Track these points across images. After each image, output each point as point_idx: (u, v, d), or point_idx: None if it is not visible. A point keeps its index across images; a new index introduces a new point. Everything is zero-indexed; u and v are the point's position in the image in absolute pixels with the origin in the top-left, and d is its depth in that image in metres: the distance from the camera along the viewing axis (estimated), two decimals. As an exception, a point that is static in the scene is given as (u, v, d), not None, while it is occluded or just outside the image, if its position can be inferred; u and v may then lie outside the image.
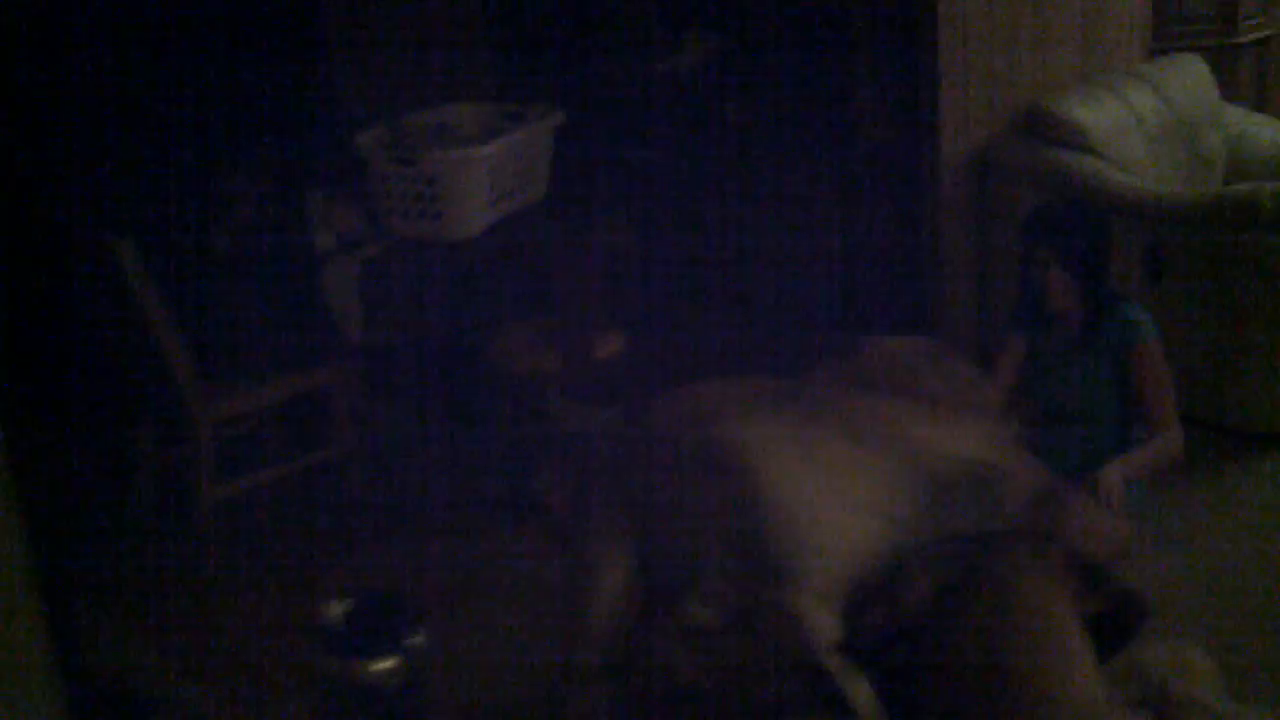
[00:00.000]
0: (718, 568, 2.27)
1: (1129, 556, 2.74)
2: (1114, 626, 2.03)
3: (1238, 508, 3.92)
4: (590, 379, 4.20)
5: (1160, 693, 2.02)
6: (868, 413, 2.55)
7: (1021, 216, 3.49)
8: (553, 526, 2.96)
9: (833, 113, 4.85)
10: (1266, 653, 3.17)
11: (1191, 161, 4.88)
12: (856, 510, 2.29)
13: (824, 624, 2.10)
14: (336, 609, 2.95)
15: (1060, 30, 4.90)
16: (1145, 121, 4.73)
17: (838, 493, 2.31)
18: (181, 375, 3.86)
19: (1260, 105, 5.80)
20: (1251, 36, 5.80)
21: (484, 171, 4.12)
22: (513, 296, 4.68)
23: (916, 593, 2.02)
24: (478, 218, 4.17)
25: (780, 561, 2.20)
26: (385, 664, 2.87)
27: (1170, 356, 3.94)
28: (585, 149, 5.03)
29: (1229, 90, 5.37)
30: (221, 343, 4.12)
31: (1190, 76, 5.06)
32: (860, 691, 2.01)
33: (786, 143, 5.04)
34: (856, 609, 2.11)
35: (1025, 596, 1.95)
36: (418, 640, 2.95)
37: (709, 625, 2.20)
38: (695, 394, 2.69)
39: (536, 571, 3.52)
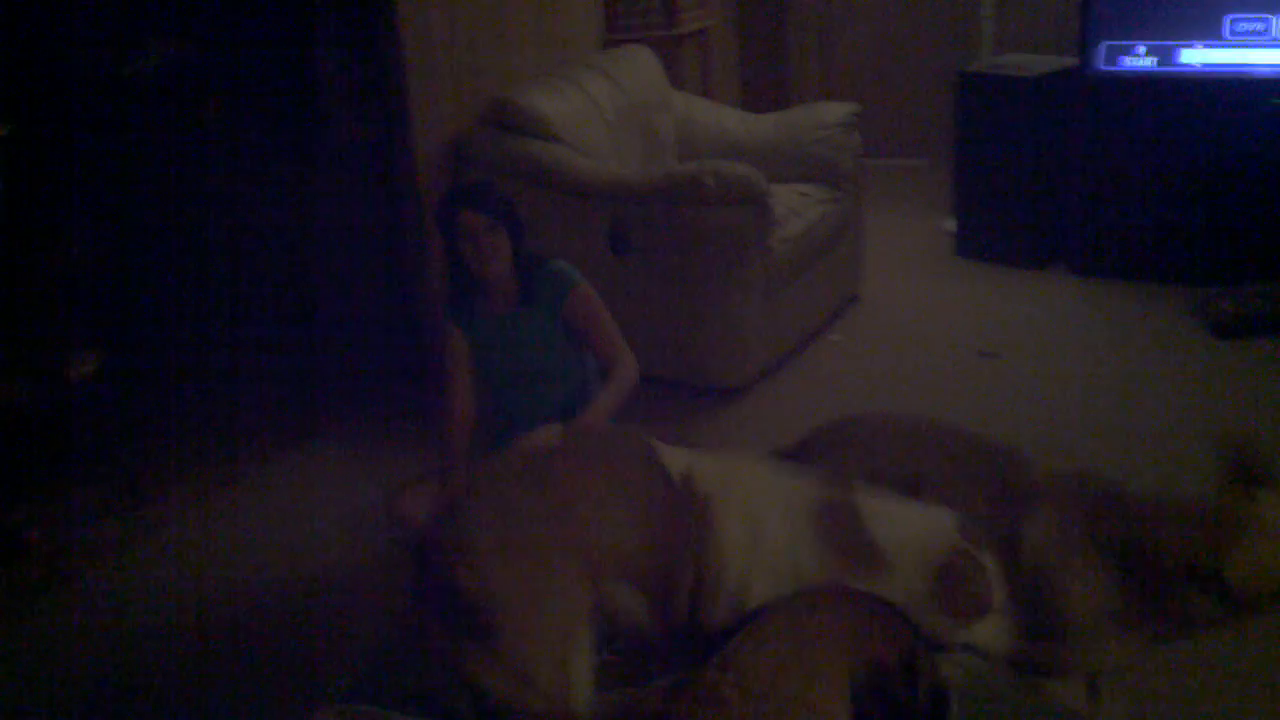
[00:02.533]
0: None
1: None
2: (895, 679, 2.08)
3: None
4: (66, 402, 3.97)
5: None
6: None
7: (437, 202, 3.54)
8: None
9: (304, 112, 4.84)
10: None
11: (646, 144, 5.25)
12: None
13: None
14: None
15: (518, 24, 5.13)
16: (603, 109, 5.03)
17: None
18: None
19: (704, 90, 6.33)
20: (691, 28, 6.31)
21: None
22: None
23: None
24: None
25: None
26: None
27: (641, 323, 4.27)
28: (45, 160, 4.72)
29: (675, 77, 5.82)
30: None
31: (641, 66, 5.43)
32: None
33: (261, 144, 4.96)
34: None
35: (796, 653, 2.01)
36: None
37: None
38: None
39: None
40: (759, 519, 2.37)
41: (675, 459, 2.45)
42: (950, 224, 6.10)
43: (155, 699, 3.19)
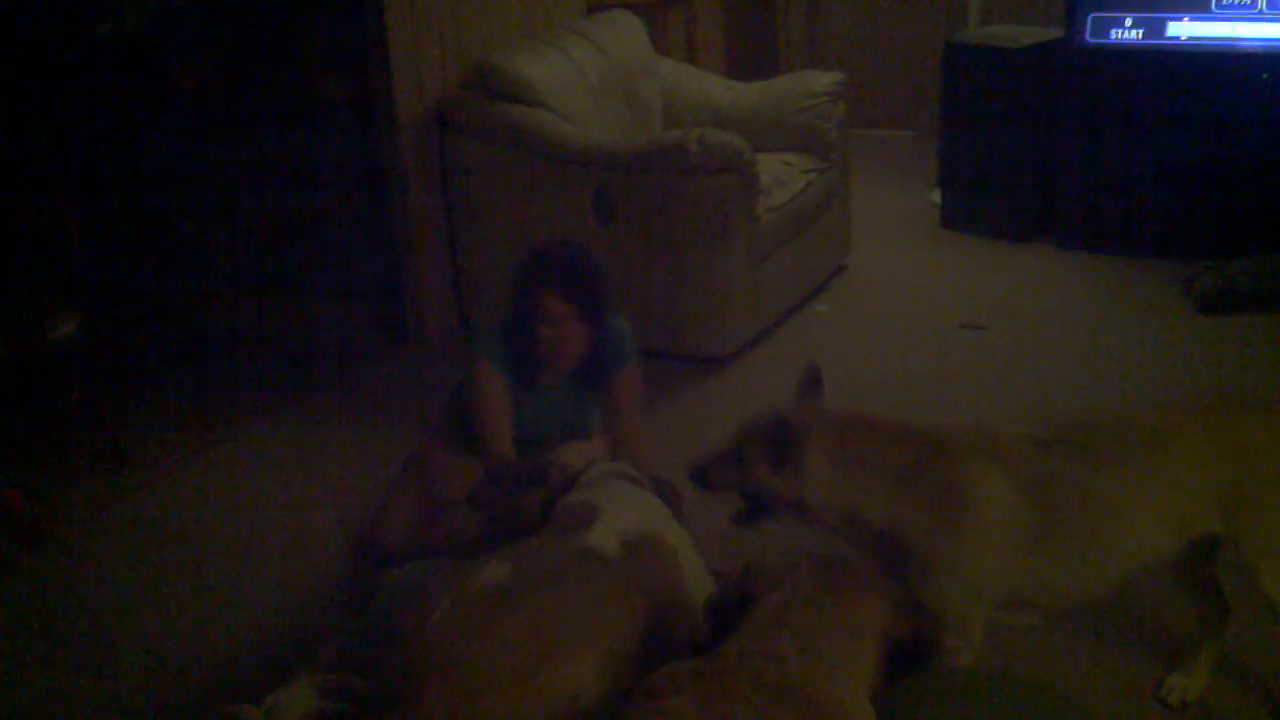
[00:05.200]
0: None
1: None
2: (911, 650, 2.04)
3: (694, 424, 4.19)
4: (45, 362, 3.94)
5: None
6: None
7: (518, 266, 3.20)
8: None
9: (286, 73, 4.80)
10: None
11: (631, 111, 5.21)
12: None
13: None
14: None
15: (503, -12, 5.09)
16: (587, 75, 4.98)
17: None
18: None
19: (689, 58, 6.29)
20: (677, -6, 6.27)
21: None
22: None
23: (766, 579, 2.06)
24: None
25: None
26: None
27: (625, 291, 4.25)
28: (26, 120, 4.69)
29: (660, 44, 5.78)
30: None
31: (626, 32, 5.38)
32: None
33: (242, 105, 4.92)
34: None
35: (852, 597, 2.01)
36: None
37: None
38: None
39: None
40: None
41: (601, 533, 2.40)
42: (936, 196, 6.09)
43: (137, 660, 3.17)
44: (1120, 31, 5.30)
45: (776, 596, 2.01)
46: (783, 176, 4.88)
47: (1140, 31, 5.26)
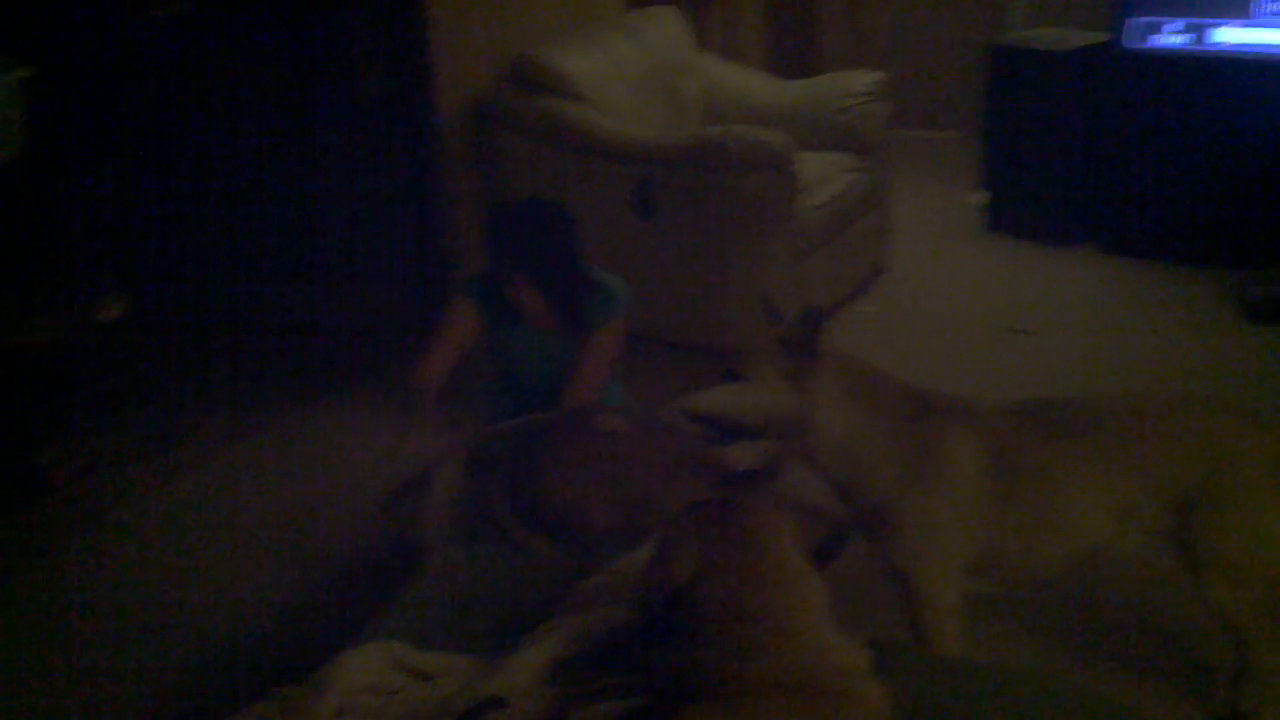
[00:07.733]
0: None
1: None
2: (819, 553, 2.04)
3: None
4: (93, 345, 3.96)
5: None
6: None
7: (485, 224, 3.50)
8: None
9: (330, 62, 4.81)
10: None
11: (671, 106, 5.19)
12: None
13: None
14: None
15: (544, -18, 5.08)
16: (627, 70, 4.97)
17: None
18: None
19: (731, 55, 6.26)
20: (720, -9, 6.24)
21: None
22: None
23: (685, 559, 2.02)
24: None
25: None
26: None
27: (664, 286, 4.23)
28: (70, 103, 4.70)
29: (702, 40, 5.76)
30: None
31: (667, 27, 5.37)
32: None
33: (285, 93, 4.94)
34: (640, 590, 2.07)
35: (769, 544, 1.96)
36: None
37: None
38: None
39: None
40: None
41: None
42: (978, 198, 6.04)
43: (184, 638, 3.19)
44: (1165, 36, 5.25)
45: (716, 584, 1.94)
46: (824, 175, 4.86)
47: (1185, 37, 5.21)
